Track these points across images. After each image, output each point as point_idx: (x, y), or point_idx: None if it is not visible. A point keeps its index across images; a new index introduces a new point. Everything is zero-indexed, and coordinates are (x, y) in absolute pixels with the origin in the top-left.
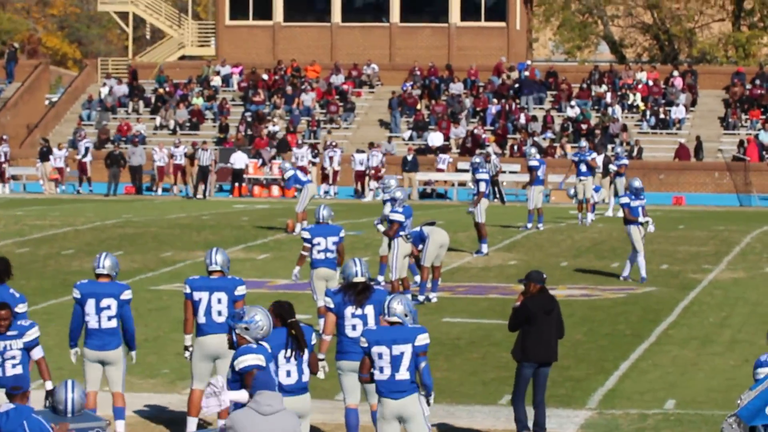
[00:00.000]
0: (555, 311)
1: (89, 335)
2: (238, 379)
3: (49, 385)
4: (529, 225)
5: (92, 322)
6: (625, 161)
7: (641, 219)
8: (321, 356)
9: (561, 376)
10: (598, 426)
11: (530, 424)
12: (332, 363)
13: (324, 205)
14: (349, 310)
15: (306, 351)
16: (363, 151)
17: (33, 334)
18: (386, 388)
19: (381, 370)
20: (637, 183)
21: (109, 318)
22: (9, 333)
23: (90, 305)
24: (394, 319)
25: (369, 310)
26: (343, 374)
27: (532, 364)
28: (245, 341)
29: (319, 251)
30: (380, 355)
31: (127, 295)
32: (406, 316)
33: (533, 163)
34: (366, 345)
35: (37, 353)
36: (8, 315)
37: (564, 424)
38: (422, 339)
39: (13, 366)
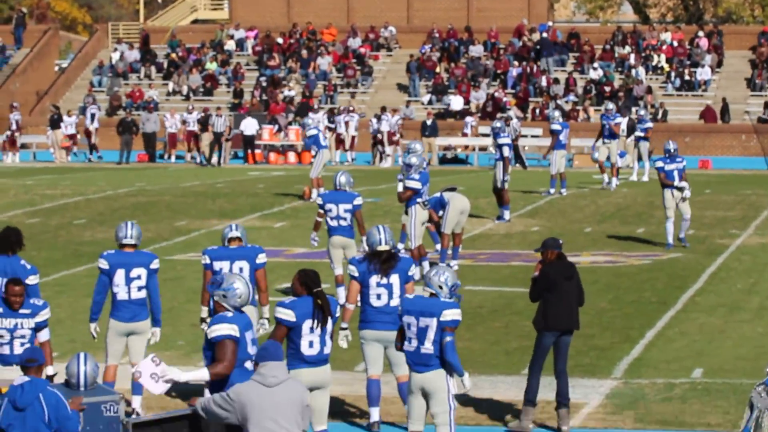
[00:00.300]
0: (575, 277)
1: (118, 307)
2: (211, 347)
3: (50, 370)
4: (552, 190)
5: (122, 293)
6: (650, 124)
7: (677, 183)
8: (344, 325)
9: (585, 345)
10: (623, 396)
11: (553, 395)
12: (355, 332)
13: (342, 172)
14: (373, 279)
15: (330, 322)
16: (380, 116)
17: (45, 314)
18: (412, 359)
19: (409, 341)
20: (671, 145)
21: (139, 288)
22: (22, 311)
23: (119, 276)
24: (431, 290)
25: (394, 279)
26: (366, 344)
27: (554, 333)
28: (223, 309)
29: (332, 218)
30: (409, 326)
31: (156, 264)
32: (440, 288)
33: (555, 126)
34: (400, 313)
35: (44, 335)
36: (21, 291)
37: (589, 394)
38: (449, 314)
39: (22, 345)
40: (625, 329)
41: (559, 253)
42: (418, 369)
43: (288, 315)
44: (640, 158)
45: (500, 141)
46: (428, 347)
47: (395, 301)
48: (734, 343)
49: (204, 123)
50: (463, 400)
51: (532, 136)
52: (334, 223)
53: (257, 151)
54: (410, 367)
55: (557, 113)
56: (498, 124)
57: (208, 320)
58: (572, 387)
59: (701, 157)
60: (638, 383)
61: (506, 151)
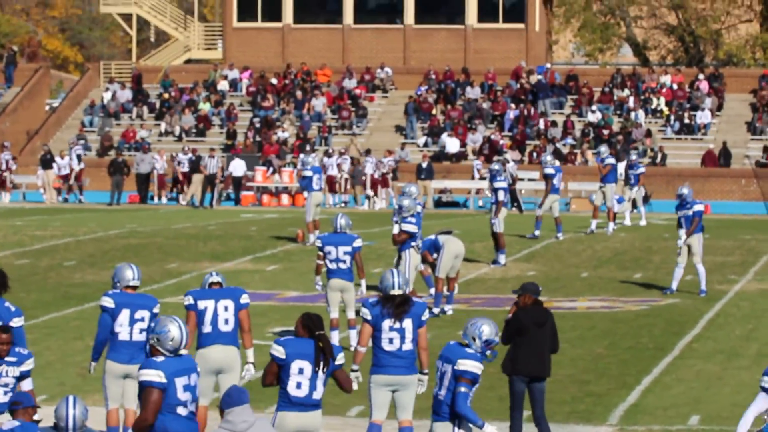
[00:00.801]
0: (548, 324)
1: (116, 348)
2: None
3: (36, 417)
4: (537, 232)
5: (123, 333)
6: (642, 170)
7: (681, 232)
8: (355, 367)
9: (581, 391)
10: None
11: None
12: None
13: (342, 214)
14: (386, 323)
15: (328, 367)
16: (374, 158)
17: (29, 364)
18: (432, 405)
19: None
20: (681, 190)
21: (141, 331)
22: (8, 359)
23: (124, 316)
24: (465, 340)
25: (407, 323)
26: (376, 389)
27: (522, 378)
28: (158, 353)
29: (331, 261)
30: (437, 370)
31: (158, 308)
32: (473, 339)
33: (548, 171)
34: None
35: (27, 384)
36: (9, 339)
37: None
38: (465, 364)
39: (5, 393)
40: (621, 375)
41: (535, 299)
42: (432, 416)
43: (278, 351)
44: (635, 203)
45: (496, 185)
46: (441, 393)
47: (407, 346)
48: (732, 390)
49: (194, 165)
50: None
51: (529, 180)
52: (333, 266)
53: (249, 193)
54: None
55: (549, 157)
56: (496, 167)
57: None
58: None
59: (701, 202)
60: (635, 430)
61: (501, 195)
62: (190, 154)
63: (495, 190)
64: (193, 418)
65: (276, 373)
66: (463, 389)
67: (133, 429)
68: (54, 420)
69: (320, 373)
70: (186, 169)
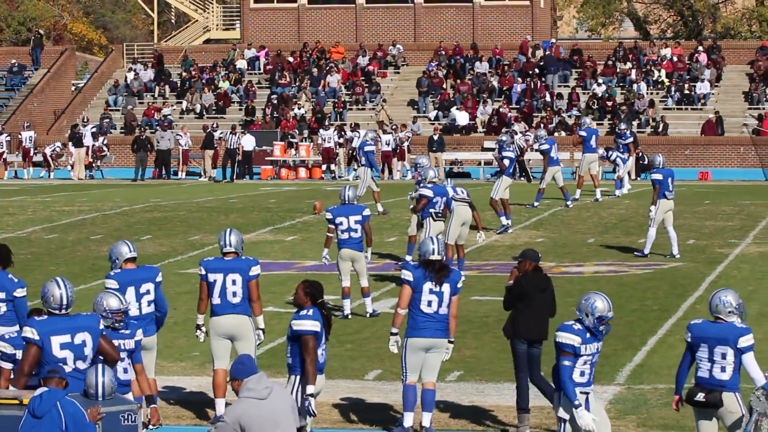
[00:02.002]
0: (549, 290)
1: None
2: None
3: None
4: (536, 203)
5: (133, 310)
6: (630, 139)
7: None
8: (395, 330)
9: None
10: (627, 401)
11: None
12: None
13: (348, 186)
14: (427, 286)
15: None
16: (389, 132)
17: (140, 335)
18: None
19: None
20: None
21: (149, 303)
22: (122, 331)
23: (130, 293)
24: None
25: (445, 288)
26: (412, 352)
27: (522, 341)
28: (43, 312)
29: (342, 231)
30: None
31: (160, 277)
32: (587, 315)
33: (544, 146)
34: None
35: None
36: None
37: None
38: (559, 336)
39: (124, 370)
40: (627, 336)
41: (535, 266)
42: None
43: (317, 326)
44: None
45: (504, 154)
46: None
47: (444, 310)
48: None
49: (208, 141)
50: (473, 407)
51: (537, 150)
52: (344, 236)
53: (268, 167)
54: None
55: (542, 132)
56: (504, 138)
57: (203, 328)
58: None
59: (701, 169)
60: (641, 389)
61: (505, 163)
62: (219, 131)
63: (501, 159)
64: (78, 375)
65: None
66: (565, 362)
67: (15, 382)
68: (84, 387)
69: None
70: (233, 147)
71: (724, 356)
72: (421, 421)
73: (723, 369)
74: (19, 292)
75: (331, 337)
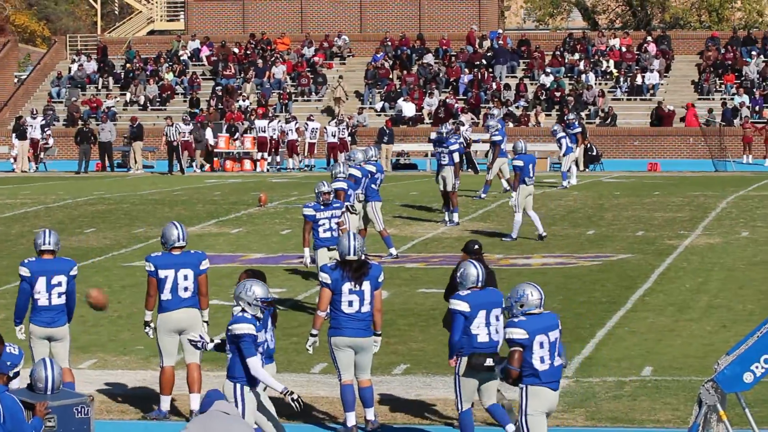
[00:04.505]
0: (489, 282)
1: (38, 312)
2: None
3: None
4: (483, 195)
5: (42, 299)
6: (579, 129)
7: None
8: (314, 332)
9: None
10: (575, 394)
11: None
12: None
13: (323, 182)
14: (346, 286)
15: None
16: (336, 123)
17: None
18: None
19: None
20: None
21: (59, 295)
22: None
23: (41, 283)
24: None
25: (366, 286)
26: (339, 350)
27: None
28: None
29: (325, 230)
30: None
31: (75, 270)
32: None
33: (497, 138)
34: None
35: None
36: None
37: None
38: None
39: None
40: (576, 329)
41: (476, 258)
42: None
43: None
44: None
45: (451, 147)
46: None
47: (366, 308)
48: (683, 342)
49: (136, 133)
50: (419, 401)
51: (484, 142)
52: (327, 234)
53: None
54: None
55: (494, 122)
56: (446, 129)
57: (152, 324)
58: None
59: (650, 160)
60: (589, 382)
61: (456, 157)
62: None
63: (450, 153)
64: None
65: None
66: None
67: None
68: (30, 381)
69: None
70: (187, 138)
71: (498, 318)
72: (365, 415)
73: (497, 331)
74: None
75: (277, 330)
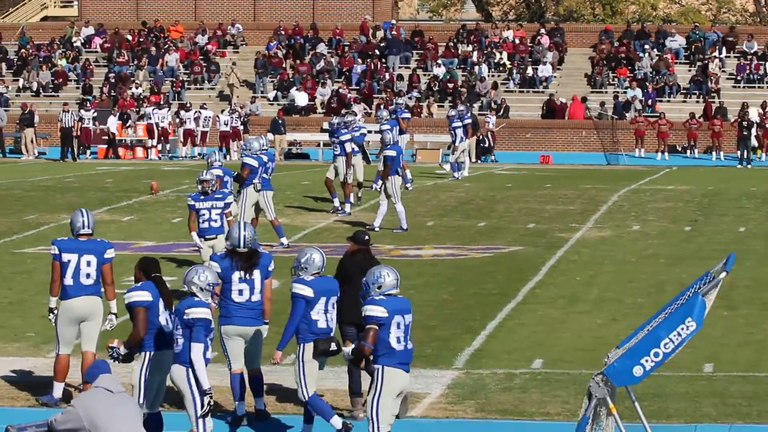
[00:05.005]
0: None
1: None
2: None
3: None
4: (376, 185)
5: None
6: (468, 120)
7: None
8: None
9: (428, 336)
10: (465, 386)
11: None
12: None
13: (204, 171)
14: (236, 275)
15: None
16: (230, 112)
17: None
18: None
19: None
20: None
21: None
22: None
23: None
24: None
25: (256, 275)
26: (229, 339)
27: (350, 327)
28: None
29: (204, 220)
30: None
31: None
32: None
33: (385, 127)
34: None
35: None
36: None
37: (431, 384)
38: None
39: None
40: (466, 321)
41: (360, 248)
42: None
43: (144, 296)
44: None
45: (342, 138)
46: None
47: (256, 297)
48: (573, 334)
49: (27, 119)
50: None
51: (376, 132)
52: (205, 225)
53: (103, 146)
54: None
55: (386, 113)
56: (337, 121)
57: (56, 310)
58: (414, 377)
59: (542, 152)
60: (479, 374)
61: (348, 147)
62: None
63: (341, 143)
64: None
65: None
66: None
67: None
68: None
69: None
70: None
71: (333, 306)
72: (255, 405)
73: (332, 318)
74: None
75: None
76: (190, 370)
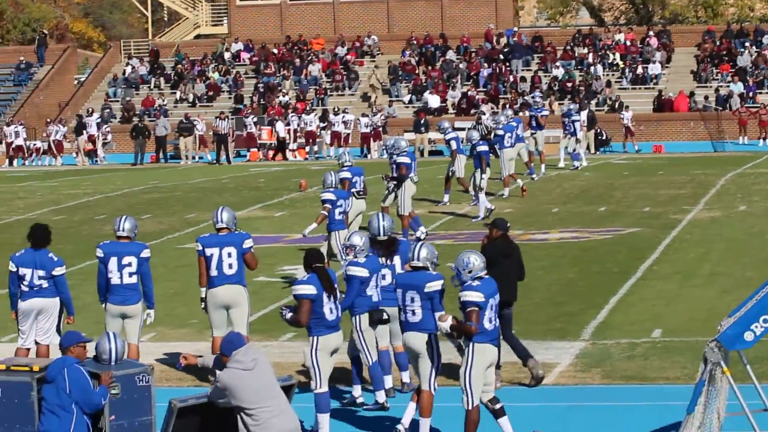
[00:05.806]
0: (515, 255)
1: (111, 291)
2: None
3: None
4: (535, 177)
5: (114, 278)
6: (546, 112)
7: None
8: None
9: (557, 311)
10: (592, 355)
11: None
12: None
13: (331, 172)
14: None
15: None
16: (367, 115)
17: None
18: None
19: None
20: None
21: (131, 274)
22: None
23: (112, 263)
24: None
25: (396, 260)
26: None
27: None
28: None
29: (340, 213)
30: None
31: (146, 253)
32: (429, 262)
33: (500, 132)
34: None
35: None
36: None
37: (561, 354)
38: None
39: None
40: (591, 297)
41: (503, 234)
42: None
43: (308, 289)
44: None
45: (447, 137)
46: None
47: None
48: (689, 306)
49: (186, 128)
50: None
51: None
52: (340, 217)
53: (255, 150)
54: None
55: (510, 112)
56: (446, 125)
57: (205, 299)
58: (545, 349)
59: (655, 143)
60: (604, 344)
61: (453, 145)
62: (225, 121)
63: (448, 141)
64: None
65: (309, 309)
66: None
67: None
68: (95, 353)
69: (332, 297)
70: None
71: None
72: (401, 378)
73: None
74: (58, 270)
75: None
76: (432, 336)
